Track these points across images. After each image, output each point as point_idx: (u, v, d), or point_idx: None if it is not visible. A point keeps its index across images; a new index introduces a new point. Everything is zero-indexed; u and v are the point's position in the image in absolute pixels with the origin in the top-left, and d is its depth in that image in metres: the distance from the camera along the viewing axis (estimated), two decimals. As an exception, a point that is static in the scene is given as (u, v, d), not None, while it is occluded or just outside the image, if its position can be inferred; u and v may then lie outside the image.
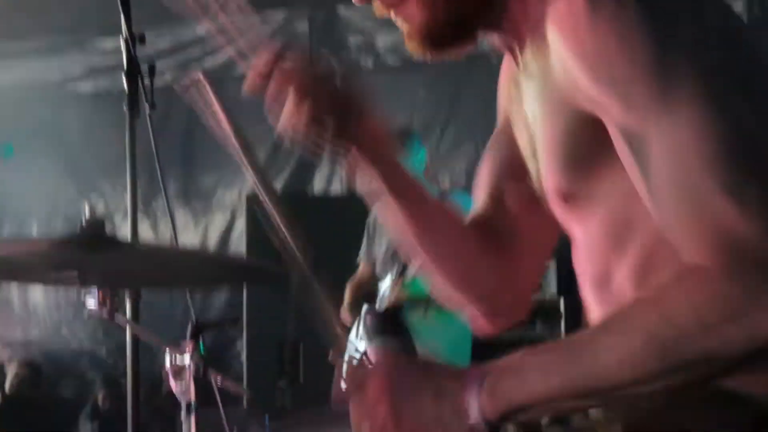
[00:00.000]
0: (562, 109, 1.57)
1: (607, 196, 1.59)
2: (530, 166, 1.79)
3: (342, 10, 8.04)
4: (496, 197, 1.99)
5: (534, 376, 1.43)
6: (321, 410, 5.98)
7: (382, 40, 7.97)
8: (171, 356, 2.98)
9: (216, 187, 8.46)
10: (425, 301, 4.71)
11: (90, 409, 8.05)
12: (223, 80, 7.36)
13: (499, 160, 1.98)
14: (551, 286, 6.49)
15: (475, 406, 1.44)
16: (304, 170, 8.36)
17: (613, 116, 1.46)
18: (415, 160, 5.04)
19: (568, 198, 1.65)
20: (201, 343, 2.99)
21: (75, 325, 8.82)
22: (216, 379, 3.12)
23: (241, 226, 8.31)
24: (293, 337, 6.30)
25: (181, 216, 8.41)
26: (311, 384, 6.29)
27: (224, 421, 3.40)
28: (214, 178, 8.46)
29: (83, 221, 2.60)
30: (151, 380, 7.95)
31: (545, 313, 6.43)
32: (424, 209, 1.96)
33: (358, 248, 5.99)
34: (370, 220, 5.49)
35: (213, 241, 8.37)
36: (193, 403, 2.98)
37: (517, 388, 1.44)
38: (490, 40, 1.78)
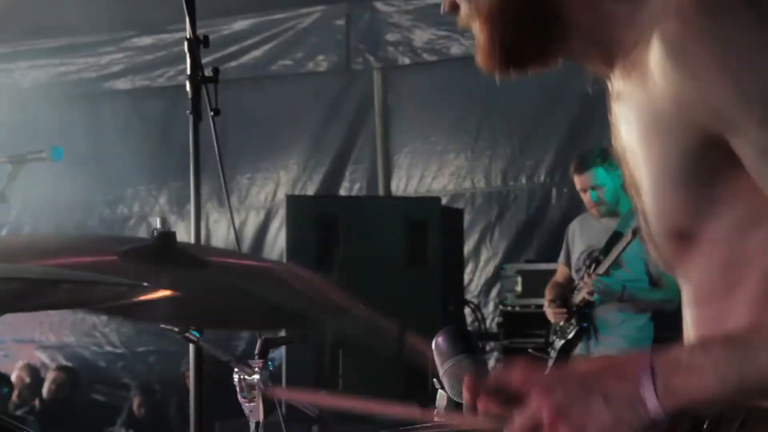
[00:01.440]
0: (673, 134, 1.48)
1: (725, 229, 1.51)
2: (636, 205, 1.66)
3: (380, 6, 7.91)
4: None
5: (710, 373, 1.42)
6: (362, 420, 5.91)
7: (420, 36, 7.84)
8: (239, 374, 2.90)
9: (250, 186, 8.35)
10: (616, 296, 5.51)
11: (126, 415, 7.96)
12: (258, 79, 7.29)
13: None
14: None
15: (654, 401, 1.42)
16: (337, 173, 8.22)
17: (745, 133, 1.40)
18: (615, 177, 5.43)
19: (684, 235, 1.55)
20: (270, 361, 2.91)
21: (109, 329, 8.71)
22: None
23: (276, 225, 8.22)
24: (332, 344, 6.21)
25: (215, 215, 8.32)
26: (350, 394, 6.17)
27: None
28: (248, 177, 8.36)
29: (154, 232, 2.50)
30: (180, 387, 7.89)
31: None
32: None
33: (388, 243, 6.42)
34: (570, 227, 5.92)
35: (248, 240, 8.26)
36: (261, 421, 2.90)
37: (694, 385, 1.42)
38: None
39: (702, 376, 1.42)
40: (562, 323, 5.80)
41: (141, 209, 8.75)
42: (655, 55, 1.45)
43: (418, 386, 5.07)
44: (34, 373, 8.34)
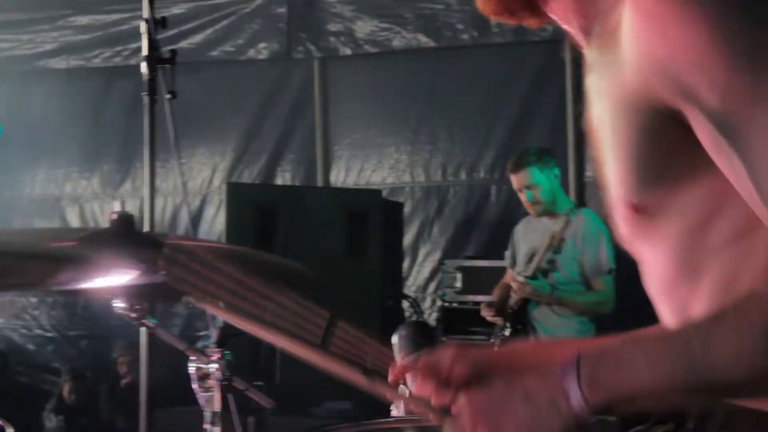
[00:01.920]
0: (636, 106, 1.44)
1: (683, 211, 1.48)
2: (601, 178, 1.63)
3: (321, -4, 7.88)
4: None
5: (640, 366, 1.39)
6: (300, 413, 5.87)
7: (361, 28, 7.80)
8: (196, 363, 2.84)
9: (187, 172, 8.24)
10: (546, 299, 5.45)
11: (56, 402, 7.81)
12: (197, 64, 7.19)
13: None
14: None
15: (577, 394, 1.40)
16: (274, 162, 8.16)
17: (704, 105, 1.36)
18: (551, 176, 5.51)
19: (639, 211, 1.51)
20: (227, 351, 2.86)
21: (39, 312, 8.56)
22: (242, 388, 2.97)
23: (210, 212, 8.15)
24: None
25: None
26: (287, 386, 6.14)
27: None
28: (184, 162, 8.25)
29: (111, 217, 2.44)
30: (111, 373, 7.79)
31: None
32: None
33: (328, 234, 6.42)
34: (516, 229, 5.84)
35: (182, 225, 8.17)
36: (218, 412, 2.84)
37: (622, 379, 1.40)
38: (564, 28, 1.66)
39: (632, 370, 1.39)
40: (500, 324, 5.73)
41: (73, 191, 8.61)
42: (627, 20, 1.43)
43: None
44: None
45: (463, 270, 6.74)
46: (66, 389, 7.81)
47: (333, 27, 7.93)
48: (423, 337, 3.40)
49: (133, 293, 2.52)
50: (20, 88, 8.61)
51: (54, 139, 8.52)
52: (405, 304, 7.26)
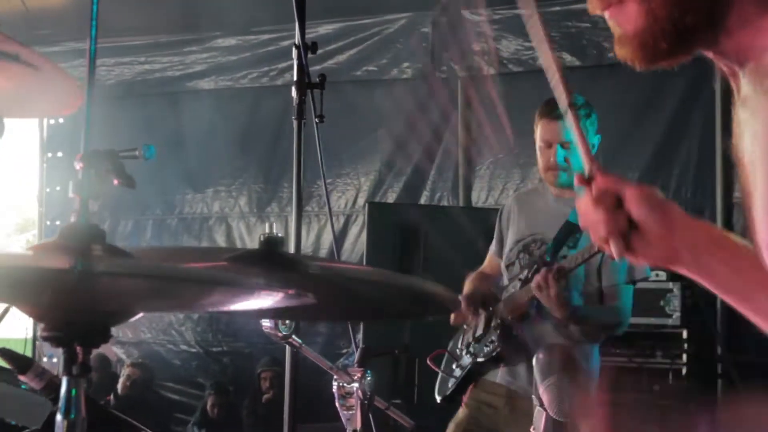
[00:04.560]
0: None
1: None
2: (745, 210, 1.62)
3: (466, 15, 7.86)
4: None
5: (724, 269, 1.70)
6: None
7: (506, 47, 7.78)
8: (338, 382, 2.90)
9: (331, 191, 8.34)
10: (565, 314, 3.99)
11: (199, 415, 7.98)
12: (341, 84, 7.25)
13: None
14: (674, 317, 6.32)
15: (686, 259, 1.70)
16: (418, 182, 8.17)
17: None
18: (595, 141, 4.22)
19: None
20: (369, 370, 2.91)
21: (185, 328, 8.76)
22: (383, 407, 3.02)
23: (354, 232, 8.20)
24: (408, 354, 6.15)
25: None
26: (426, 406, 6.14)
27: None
28: (329, 182, 8.34)
29: (262, 237, 2.48)
30: (253, 388, 7.90)
31: (666, 342, 6.32)
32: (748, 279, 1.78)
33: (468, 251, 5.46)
34: (506, 206, 4.61)
35: (326, 245, 8.25)
36: (359, 430, 2.90)
37: (712, 272, 1.70)
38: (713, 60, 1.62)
39: (716, 267, 1.70)
40: (478, 333, 4.38)
41: (221, 210, 8.78)
42: None
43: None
44: (106, 365, 8.39)
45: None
46: (209, 403, 7.99)
47: (477, 46, 7.93)
48: (560, 360, 3.27)
49: (279, 313, 2.56)
50: (171, 109, 8.83)
51: (203, 159, 8.72)
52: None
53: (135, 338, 8.83)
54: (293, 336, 2.76)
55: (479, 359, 4.33)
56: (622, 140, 7.43)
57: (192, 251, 2.65)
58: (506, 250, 4.43)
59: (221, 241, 8.68)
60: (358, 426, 2.87)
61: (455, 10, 7.89)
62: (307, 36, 7.96)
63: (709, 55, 1.60)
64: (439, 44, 7.98)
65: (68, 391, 1.42)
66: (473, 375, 4.39)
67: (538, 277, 3.98)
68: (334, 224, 8.31)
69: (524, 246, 4.34)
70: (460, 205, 7.90)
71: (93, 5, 1.46)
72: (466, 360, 4.41)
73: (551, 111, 4.14)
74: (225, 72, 8.65)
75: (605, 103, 7.48)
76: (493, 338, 4.27)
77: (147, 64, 8.87)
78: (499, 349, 4.24)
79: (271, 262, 2.46)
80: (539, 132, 4.30)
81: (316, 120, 3.29)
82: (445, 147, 8.10)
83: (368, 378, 2.89)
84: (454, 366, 4.51)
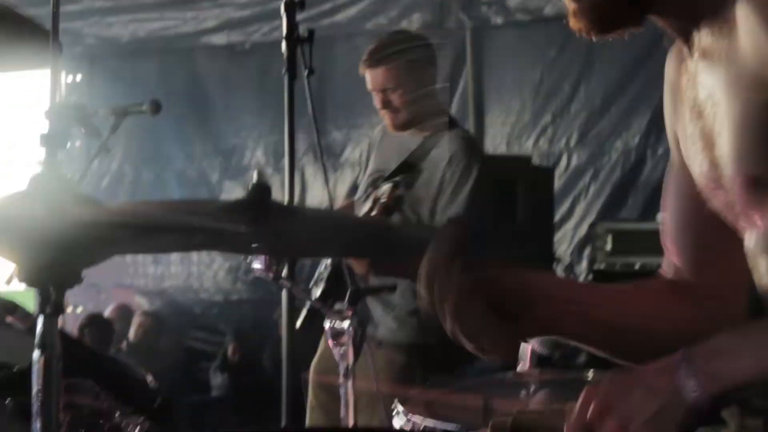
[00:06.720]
0: (757, 86, 1.53)
1: None
2: (697, 159, 1.73)
3: (474, -37, 7.94)
4: (698, 259, 1.93)
5: (749, 356, 1.50)
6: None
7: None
8: (331, 321, 3.01)
9: (346, 142, 8.45)
10: None
11: (220, 361, 8.20)
12: (352, 36, 7.31)
13: (693, 211, 1.86)
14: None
15: (693, 384, 1.49)
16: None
17: None
18: None
19: (759, 184, 1.61)
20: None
21: (205, 278, 8.96)
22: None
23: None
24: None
25: (311, 170, 8.45)
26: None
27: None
28: (344, 133, 8.44)
29: (250, 186, 2.59)
30: (273, 334, 8.06)
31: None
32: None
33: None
34: (364, 146, 4.88)
35: (341, 196, 8.36)
36: (351, 366, 3.02)
37: (734, 370, 1.49)
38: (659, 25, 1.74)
39: (740, 360, 1.50)
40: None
41: (238, 162, 8.91)
42: (742, 13, 1.53)
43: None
44: (126, 315, 8.58)
45: (614, 232, 6.63)
46: (230, 349, 8.21)
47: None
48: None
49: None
50: (185, 64, 8.97)
51: (219, 113, 8.86)
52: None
53: (156, 288, 9.07)
54: (284, 277, 2.88)
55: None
56: (631, 82, 7.48)
57: (185, 204, 2.78)
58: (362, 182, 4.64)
59: (238, 193, 8.80)
60: (350, 362, 2.99)
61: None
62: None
63: (659, 16, 1.73)
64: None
65: (44, 328, 1.56)
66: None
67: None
68: (351, 175, 8.41)
69: (373, 181, 4.48)
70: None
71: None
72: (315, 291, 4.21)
73: (367, 59, 4.52)
74: (237, 27, 8.74)
75: (611, 50, 7.48)
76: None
77: (161, 21, 8.95)
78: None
79: (259, 210, 2.60)
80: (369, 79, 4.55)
81: (306, 73, 3.40)
82: (457, 98, 8.18)
83: (358, 316, 3.02)
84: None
